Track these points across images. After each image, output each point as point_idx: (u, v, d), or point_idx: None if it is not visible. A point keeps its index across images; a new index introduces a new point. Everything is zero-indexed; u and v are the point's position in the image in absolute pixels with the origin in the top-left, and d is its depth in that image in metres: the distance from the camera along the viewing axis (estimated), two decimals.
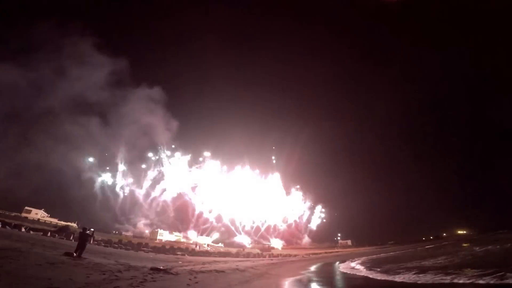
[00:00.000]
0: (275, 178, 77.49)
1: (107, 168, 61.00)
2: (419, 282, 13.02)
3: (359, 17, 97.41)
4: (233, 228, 68.68)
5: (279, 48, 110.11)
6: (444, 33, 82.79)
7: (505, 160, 78.54)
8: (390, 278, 15.27)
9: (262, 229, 72.19)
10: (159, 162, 65.70)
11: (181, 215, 65.47)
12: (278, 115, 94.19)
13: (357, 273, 20.45)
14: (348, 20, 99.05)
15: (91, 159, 58.89)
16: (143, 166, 64.70)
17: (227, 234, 67.78)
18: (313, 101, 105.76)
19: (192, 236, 61.96)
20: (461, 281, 11.75)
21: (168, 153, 66.88)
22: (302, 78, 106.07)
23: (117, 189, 61.20)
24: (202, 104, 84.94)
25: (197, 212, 66.22)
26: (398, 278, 14.70)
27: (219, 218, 68.20)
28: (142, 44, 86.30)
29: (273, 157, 78.69)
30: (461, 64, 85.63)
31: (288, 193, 78.90)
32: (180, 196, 65.88)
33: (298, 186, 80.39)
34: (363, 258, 37.27)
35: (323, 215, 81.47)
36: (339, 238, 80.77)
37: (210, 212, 67.57)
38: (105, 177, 60.88)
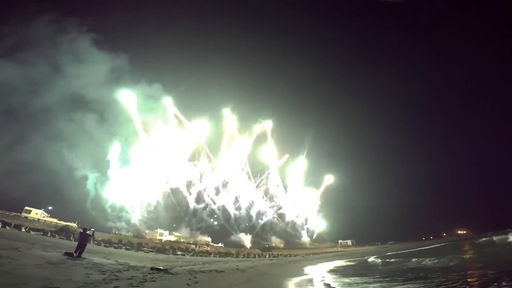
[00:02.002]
0: (274, 176, 76.89)
1: (99, 165, 59.80)
2: None
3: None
4: (227, 226, 68.02)
5: (279, 47, 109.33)
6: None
7: (505, 159, 78.71)
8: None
9: (259, 227, 71.65)
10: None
11: (173, 212, 64.49)
12: (279, 114, 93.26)
13: None
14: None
15: (84, 157, 58.08)
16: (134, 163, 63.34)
17: (222, 232, 67.15)
18: (316, 99, 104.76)
19: (186, 234, 61.44)
20: None
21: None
22: (307, 79, 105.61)
23: (108, 186, 60.11)
24: (203, 103, 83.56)
25: (190, 209, 65.23)
26: None
27: (212, 215, 67.44)
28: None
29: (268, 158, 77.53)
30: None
31: (287, 191, 78.33)
32: (172, 192, 64.85)
33: (298, 184, 79.61)
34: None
35: (323, 215, 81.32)
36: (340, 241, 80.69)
37: (204, 209, 66.78)
38: (97, 174, 59.79)
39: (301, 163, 79.96)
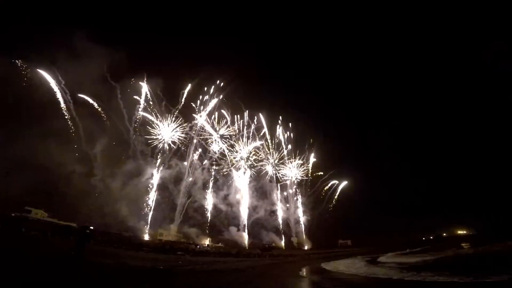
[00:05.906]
0: (270, 171, 75.83)
1: (98, 163, 59.07)
2: None
3: None
4: (218, 222, 66.77)
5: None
6: None
7: (505, 159, 78.55)
8: None
9: (250, 223, 70.57)
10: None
11: (161, 208, 63.47)
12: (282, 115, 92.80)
13: None
14: None
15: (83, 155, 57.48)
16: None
17: (213, 229, 66.03)
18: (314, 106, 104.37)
19: (174, 232, 60.67)
20: None
21: None
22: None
23: (94, 182, 59.19)
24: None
25: (179, 205, 63.95)
26: None
27: (202, 211, 66.16)
28: None
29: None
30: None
31: (285, 189, 77.53)
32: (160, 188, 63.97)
33: (297, 182, 78.69)
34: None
35: (324, 213, 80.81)
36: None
37: (193, 203, 65.44)
38: (86, 171, 58.83)
39: (299, 162, 79.94)
